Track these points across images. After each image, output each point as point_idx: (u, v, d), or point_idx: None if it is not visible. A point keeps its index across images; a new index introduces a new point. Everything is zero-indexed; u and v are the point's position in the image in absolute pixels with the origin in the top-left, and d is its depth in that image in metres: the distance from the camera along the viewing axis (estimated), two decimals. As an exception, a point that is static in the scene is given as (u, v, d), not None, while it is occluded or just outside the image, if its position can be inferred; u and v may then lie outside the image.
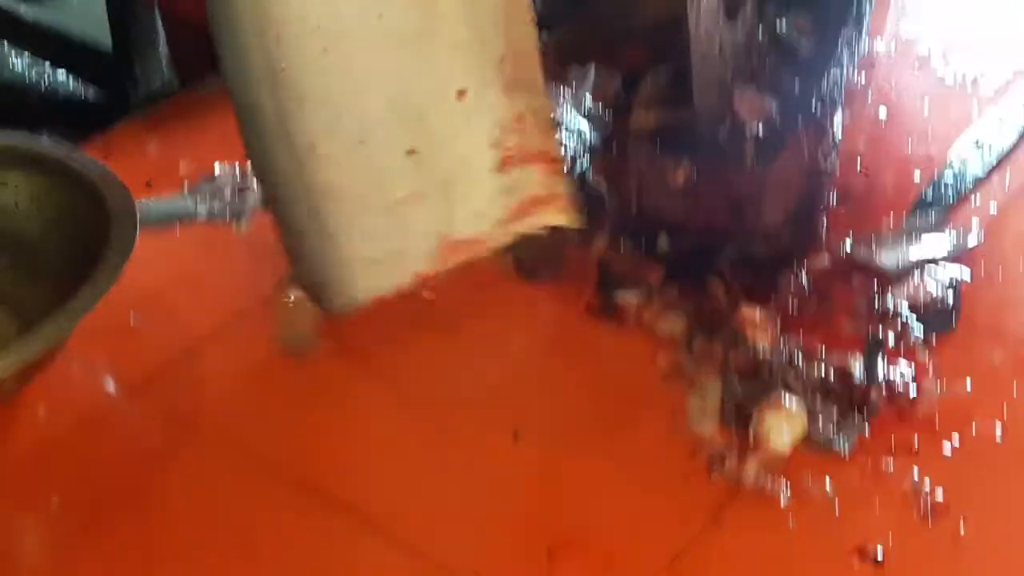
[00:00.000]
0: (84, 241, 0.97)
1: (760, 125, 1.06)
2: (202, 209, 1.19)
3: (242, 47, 0.89)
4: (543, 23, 1.29)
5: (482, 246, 1.00)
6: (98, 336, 0.99)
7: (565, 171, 1.03)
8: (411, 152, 0.93)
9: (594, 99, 1.29)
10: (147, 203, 1.17)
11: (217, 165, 1.23)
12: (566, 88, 1.30)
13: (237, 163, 1.23)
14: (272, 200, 0.98)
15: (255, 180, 1.11)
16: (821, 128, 1.08)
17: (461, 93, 0.93)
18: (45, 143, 1.08)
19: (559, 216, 1.02)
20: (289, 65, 0.88)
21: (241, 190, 1.20)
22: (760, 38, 1.09)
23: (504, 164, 0.98)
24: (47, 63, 1.92)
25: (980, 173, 1.19)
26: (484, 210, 0.98)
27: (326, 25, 0.87)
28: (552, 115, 0.99)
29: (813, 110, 1.09)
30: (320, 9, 0.87)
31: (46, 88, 1.93)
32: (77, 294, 0.90)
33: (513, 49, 0.94)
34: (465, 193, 0.96)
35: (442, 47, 0.91)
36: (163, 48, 1.69)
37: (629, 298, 1.07)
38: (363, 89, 0.90)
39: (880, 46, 1.36)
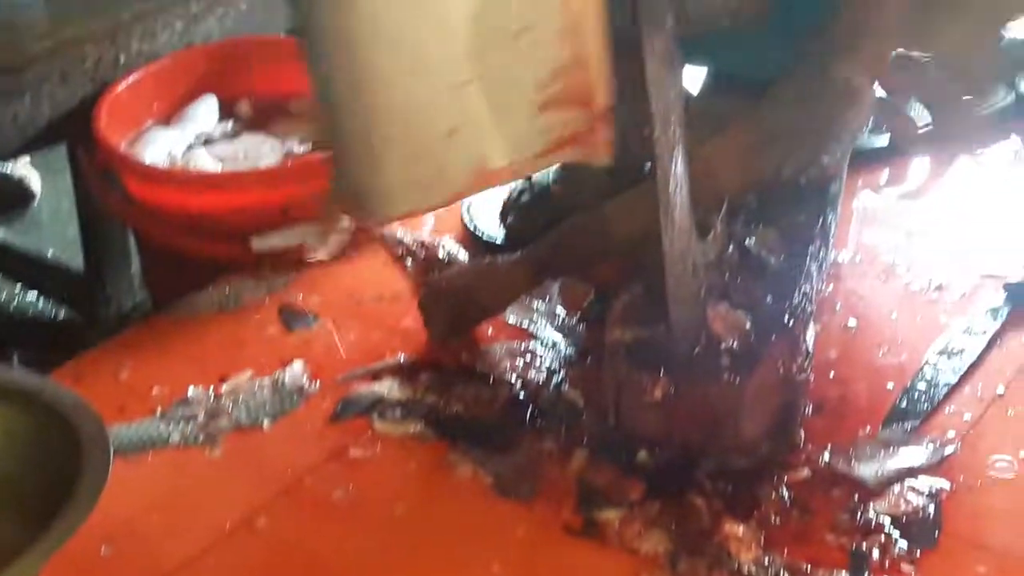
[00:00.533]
0: (56, 474, 0.96)
1: (735, 340, 1.07)
2: (175, 434, 1.18)
3: None
4: (518, 241, 1.32)
5: (513, 176, 1.05)
6: (68, 569, 0.96)
7: (607, 115, 1.02)
8: (465, 83, 0.97)
9: (568, 312, 1.31)
10: (119, 430, 1.16)
11: (190, 388, 1.22)
12: (540, 301, 1.32)
13: (211, 386, 1.22)
14: (328, 117, 1.01)
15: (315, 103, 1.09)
16: (794, 341, 1.10)
17: (520, 32, 0.96)
18: (15, 374, 1.07)
19: (592, 155, 1.04)
20: None
21: (214, 414, 1.19)
22: (731, 255, 1.11)
23: (550, 104, 1.00)
24: (17, 284, 1.93)
25: (952, 380, 1.20)
26: (523, 144, 1.01)
27: None
28: (604, 62, 0.99)
29: (786, 324, 1.10)
30: None
31: (16, 309, 1.93)
32: (48, 531, 0.88)
33: None
34: (508, 127, 1.00)
35: None
36: (136, 268, 1.70)
37: (610, 515, 1.06)
38: (429, 17, 0.95)
39: (845, 256, 1.38)
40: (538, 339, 1.28)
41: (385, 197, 1.02)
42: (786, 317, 1.10)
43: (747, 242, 1.15)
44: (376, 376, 1.24)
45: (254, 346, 1.30)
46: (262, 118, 1.64)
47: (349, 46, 0.96)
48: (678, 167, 0.96)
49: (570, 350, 1.26)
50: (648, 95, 0.89)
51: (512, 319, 1.30)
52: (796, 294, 1.12)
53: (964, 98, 1.56)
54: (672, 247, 0.98)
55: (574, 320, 1.31)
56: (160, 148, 1.53)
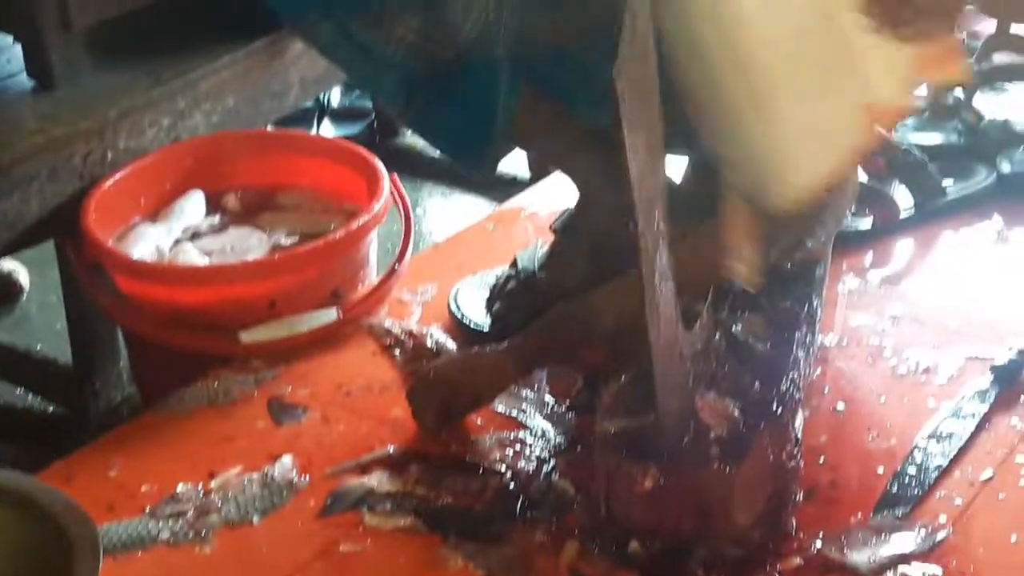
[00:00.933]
0: (46, 576, 0.95)
1: (724, 429, 1.07)
2: (164, 532, 1.17)
3: None
4: (505, 330, 1.33)
5: (895, 110, 1.11)
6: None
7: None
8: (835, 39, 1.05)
9: (557, 401, 1.31)
10: (109, 529, 1.16)
11: (180, 485, 1.22)
12: (528, 390, 1.32)
13: (200, 482, 1.22)
14: (719, 118, 1.08)
15: (703, 126, 1.13)
16: (783, 428, 1.10)
17: None
18: (5, 475, 1.06)
19: (954, 72, 1.11)
20: None
21: (203, 511, 1.19)
22: (718, 343, 1.12)
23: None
24: (5, 380, 1.92)
25: (942, 464, 1.20)
26: (893, 73, 1.07)
27: None
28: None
29: (774, 411, 1.10)
30: None
31: (4, 404, 1.93)
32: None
33: None
34: (878, 62, 1.06)
35: None
36: (124, 363, 1.69)
37: (603, 608, 1.06)
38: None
39: (832, 340, 1.39)
40: (528, 428, 1.28)
41: (789, 178, 1.09)
42: (775, 404, 1.10)
43: (734, 329, 1.16)
44: (365, 469, 1.24)
45: (243, 440, 1.29)
46: (249, 211, 1.64)
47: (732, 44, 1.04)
48: (663, 259, 0.96)
49: (560, 439, 1.26)
50: (631, 190, 0.90)
51: (501, 408, 1.30)
52: (784, 381, 1.12)
53: (944, 181, 1.59)
54: (658, 338, 0.98)
55: (564, 408, 1.31)
56: (148, 243, 1.53)
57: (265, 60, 1.74)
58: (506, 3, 1.19)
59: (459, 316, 1.45)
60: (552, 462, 1.23)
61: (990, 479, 1.19)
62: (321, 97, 2.38)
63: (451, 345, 1.42)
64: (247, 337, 1.42)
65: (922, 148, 1.64)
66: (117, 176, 1.57)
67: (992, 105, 1.76)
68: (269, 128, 1.90)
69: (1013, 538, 1.12)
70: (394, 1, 1.16)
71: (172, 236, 1.57)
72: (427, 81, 1.23)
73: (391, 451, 1.26)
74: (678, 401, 1.04)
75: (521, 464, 1.23)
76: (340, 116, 2.32)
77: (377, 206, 1.52)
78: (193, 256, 1.52)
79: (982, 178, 1.64)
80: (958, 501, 1.16)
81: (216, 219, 1.62)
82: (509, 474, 1.22)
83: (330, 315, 1.45)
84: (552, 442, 1.26)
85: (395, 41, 1.20)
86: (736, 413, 1.08)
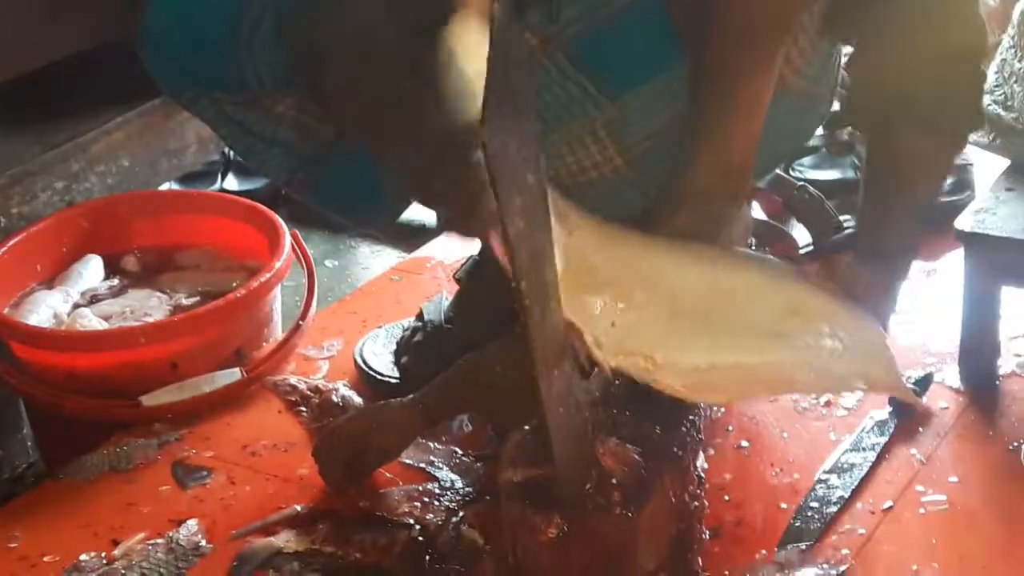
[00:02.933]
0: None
1: (625, 474, 1.07)
2: (67, 606, 1.15)
3: None
4: (413, 382, 1.32)
5: None
6: None
7: None
8: None
9: (465, 451, 1.31)
10: (9, 605, 1.14)
11: (83, 555, 1.20)
12: (435, 443, 1.32)
13: (104, 551, 1.20)
14: None
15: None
16: (685, 470, 1.10)
17: None
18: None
19: None
20: None
21: (108, 581, 1.17)
22: (617, 388, 1.12)
23: None
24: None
25: (844, 495, 1.21)
26: None
27: None
28: None
29: (675, 453, 1.11)
30: None
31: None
32: None
33: None
34: None
35: None
36: (27, 431, 1.66)
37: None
38: None
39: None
40: (436, 480, 1.28)
41: None
42: (675, 447, 1.10)
43: (633, 374, 1.16)
44: (272, 529, 1.23)
45: (147, 506, 1.28)
46: (149, 272, 1.63)
47: None
48: (550, 315, 0.96)
49: (469, 489, 1.26)
50: (510, 250, 0.89)
51: (409, 460, 1.30)
52: (684, 423, 1.13)
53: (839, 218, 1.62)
54: (550, 391, 0.98)
55: (472, 458, 1.31)
56: (45, 310, 1.52)
57: (161, 119, 1.73)
58: None
59: (366, 370, 1.44)
60: (461, 513, 1.23)
61: (890, 508, 1.20)
62: (226, 150, 2.37)
63: (358, 400, 1.42)
64: (149, 401, 1.41)
65: (818, 184, 1.66)
66: (11, 243, 1.56)
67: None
68: (172, 185, 1.89)
69: (914, 567, 1.13)
70: (270, 80, 1.16)
71: (70, 301, 1.55)
72: (310, 155, 1.23)
73: (299, 510, 1.25)
74: (576, 449, 1.04)
75: (430, 516, 1.23)
76: (245, 169, 2.30)
77: (278, 263, 1.51)
78: (92, 321, 1.50)
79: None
80: (861, 531, 1.18)
81: (115, 282, 1.61)
82: (418, 527, 1.21)
83: (234, 375, 1.44)
84: (461, 493, 1.26)
85: (275, 119, 1.20)
86: (637, 458, 1.08)
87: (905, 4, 1.13)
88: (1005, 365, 1.38)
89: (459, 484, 1.27)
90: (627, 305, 1.05)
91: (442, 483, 1.28)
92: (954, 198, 1.63)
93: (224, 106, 1.21)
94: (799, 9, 1.10)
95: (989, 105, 1.40)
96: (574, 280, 1.01)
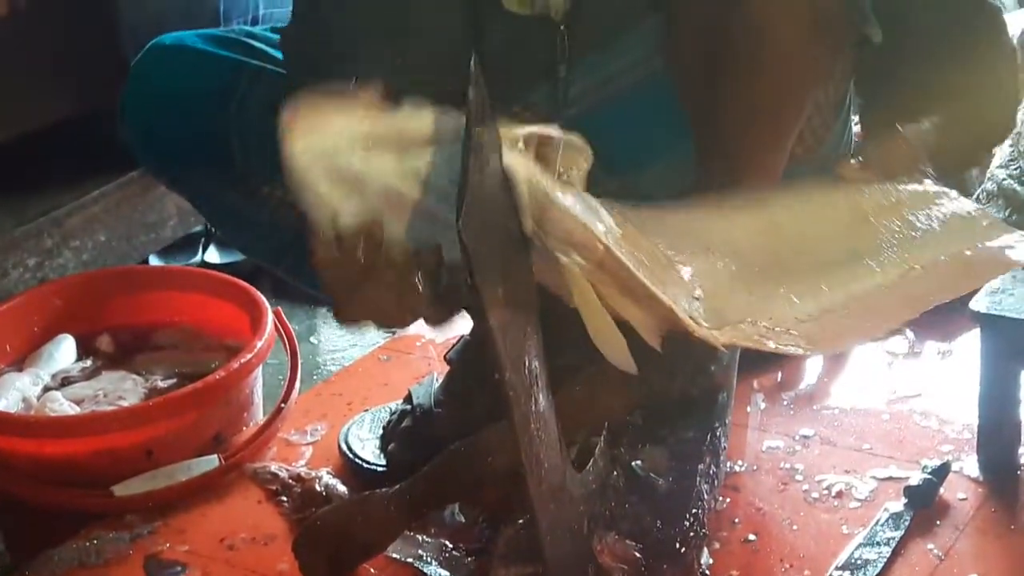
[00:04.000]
0: None
1: (625, 572, 1.01)
2: None
3: None
4: (400, 470, 1.26)
5: None
6: None
7: None
8: None
9: (455, 544, 1.24)
10: None
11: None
12: (424, 536, 1.25)
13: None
14: None
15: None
16: (687, 568, 1.05)
17: None
18: None
19: None
20: None
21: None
22: (616, 480, 1.06)
23: None
24: None
25: (860, 596, 1.14)
26: None
27: None
28: None
29: (677, 549, 1.05)
30: None
31: None
32: None
33: None
34: None
35: None
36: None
37: None
38: None
39: (741, 466, 1.33)
40: (424, 575, 1.21)
41: None
42: (677, 543, 1.04)
43: (633, 464, 1.10)
44: (248, 632, 1.16)
45: (116, 605, 1.22)
46: (124, 353, 1.58)
47: None
48: (539, 405, 0.90)
49: (460, 586, 1.20)
50: (494, 341, 0.84)
51: (396, 555, 1.23)
52: (687, 517, 1.07)
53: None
54: (540, 487, 0.91)
55: (463, 552, 1.24)
56: (14, 393, 1.47)
57: (138, 191, 1.69)
58: None
59: (351, 457, 1.38)
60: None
61: (910, 610, 1.13)
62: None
63: (342, 490, 1.35)
64: (121, 490, 1.35)
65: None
66: (-21, 323, 1.51)
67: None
68: (151, 258, 1.84)
69: (935, 674, 1.06)
70: (256, 161, 1.13)
71: (40, 384, 1.51)
72: (297, 239, 1.19)
73: (277, 609, 1.19)
74: (571, 546, 0.98)
75: (417, 615, 1.16)
76: (227, 242, 2.27)
77: (260, 342, 1.47)
78: (63, 405, 1.46)
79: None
80: (879, 635, 1.11)
81: (88, 363, 1.56)
82: (403, 629, 1.15)
83: (211, 462, 1.39)
84: (453, 590, 1.19)
85: (259, 200, 1.16)
86: (637, 555, 1.02)
87: (946, 76, 1.09)
88: (1027, 453, 1.31)
89: (449, 580, 1.20)
90: (697, 273, 0.95)
91: (432, 580, 1.21)
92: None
93: (207, 185, 1.17)
94: (811, 89, 1.06)
95: (1004, 180, 1.35)
96: (648, 267, 0.93)
